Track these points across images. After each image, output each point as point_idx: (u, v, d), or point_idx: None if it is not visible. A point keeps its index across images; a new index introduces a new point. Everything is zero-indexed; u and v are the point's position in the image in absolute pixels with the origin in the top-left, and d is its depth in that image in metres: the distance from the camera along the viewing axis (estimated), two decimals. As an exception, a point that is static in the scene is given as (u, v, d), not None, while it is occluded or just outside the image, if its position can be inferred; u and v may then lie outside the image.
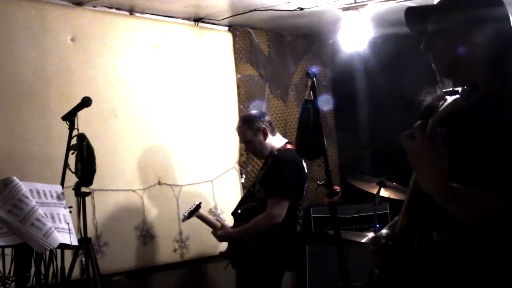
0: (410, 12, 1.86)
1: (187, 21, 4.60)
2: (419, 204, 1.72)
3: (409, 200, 1.75)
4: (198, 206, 3.90)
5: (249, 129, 3.87)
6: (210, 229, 3.92)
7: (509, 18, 1.76)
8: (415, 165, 1.54)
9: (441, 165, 1.49)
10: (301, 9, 4.37)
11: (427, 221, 1.72)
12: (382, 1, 4.18)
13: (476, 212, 1.55)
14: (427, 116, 1.60)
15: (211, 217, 4.03)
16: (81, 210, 3.41)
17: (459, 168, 1.57)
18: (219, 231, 3.87)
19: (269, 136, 3.87)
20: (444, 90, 1.75)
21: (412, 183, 1.72)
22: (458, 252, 1.66)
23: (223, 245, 4.07)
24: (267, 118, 3.95)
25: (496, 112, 1.61)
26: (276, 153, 3.85)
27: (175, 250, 4.33)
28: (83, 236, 3.38)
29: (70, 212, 3.00)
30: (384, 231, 1.93)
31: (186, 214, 3.90)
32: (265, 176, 3.83)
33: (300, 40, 5.46)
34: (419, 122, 1.52)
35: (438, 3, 1.82)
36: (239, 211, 3.92)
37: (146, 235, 4.15)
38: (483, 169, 1.58)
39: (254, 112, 4.14)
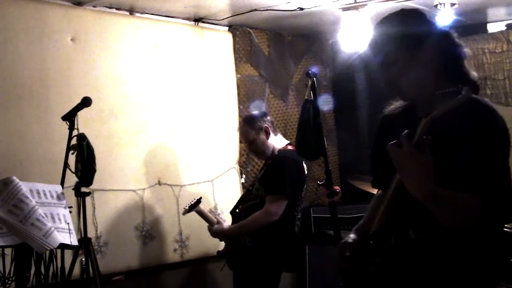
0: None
1: (187, 21, 4.60)
2: (397, 205, 1.81)
3: (389, 203, 1.83)
4: (199, 201, 3.93)
5: (252, 128, 3.88)
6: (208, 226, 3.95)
7: (442, 31, 1.91)
8: (403, 173, 1.67)
9: (427, 171, 1.61)
10: (301, 9, 4.37)
11: (404, 221, 1.81)
12: (382, 1, 4.18)
13: (458, 212, 1.68)
14: (388, 125, 1.85)
15: (209, 213, 4.04)
16: (81, 210, 3.41)
17: (440, 172, 1.67)
18: (214, 227, 3.89)
19: (271, 135, 3.88)
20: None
21: (393, 187, 1.79)
22: (433, 249, 1.76)
23: (223, 245, 4.07)
24: (269, 118, 3.96)
25: (469, 119, 1.72)
26: (277, 153, 3.85)
27: (175, 250, 4.34)
28: (83, 236, 3.38)
29: (70, 212, 3.00)
30: (351, 235, 2.01)
31: (187, 207, 3.94)
32: (265, 174, 3.84)
33: (300, 40, 5.46)
34: (406, 131, 1.63)
35: (375, 40, 1.96)
36: (237, 210, 3.93)
37: (146, 235, 4.15)
38: (461, 172, 1.70)
39: (256, 112, 4.15)
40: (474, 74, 1.90)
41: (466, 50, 1.91)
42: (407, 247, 1.80)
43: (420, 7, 2.00)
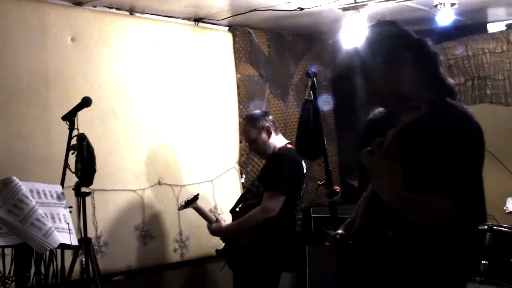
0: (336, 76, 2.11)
1: (187, 21, 4.60)
2: (375, 206, 1.90)
3: (366, 206, 1.93)
4: (196, 197, 3.93)
5: (253, 127, 3.88)
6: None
7: (417, 41, 1.97)
8: (374, 178, 1.79)
9: (396, 177, 1.73)
10: (301, 9, 4.37)
11: (382, 222, 1.89)
12: (382, 1, 4.18)
13: (429, 215, 1.77)
14: (373, 129, 1.96)
15: (207, 211, 4.04)
16: (81, 210, 3.41)
17: (414, 177, 1.78)
18: (212, 225, 3.89)
19: (273, 135, 3.88)
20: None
21: (369, 190, 1.90)
22: (409, 247, 1.86)
23: (223, 245, 4.07)
24: (270, 117, 3.97)
25: (442, 124, 1.79)
26: (276, 151, 3.86)
27: (175, 250, 4.34)
28: (83, 236, 3.38)
29: (70, 212, 3.00)
30: (339, 231, 2.09)
31: (183, 203, 3.95)
32: (264, 172, 3.85)
33: (300, 40, 5.46)
34: (377, 140, 1.74)
35: (352, 55, 2.03)
36: (237, 209, 3.94)
37: (146, 235, 4.15)
38: (434, 177, 1.77)
39: (257, 111, 4.15)
40: (450, 80, 1.97)
41: (442, 58, 1.98)
42: (385, 246, 1.89)
43: (395, 19, 2.06)
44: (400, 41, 1.95)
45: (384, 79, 1.94)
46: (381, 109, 2.12)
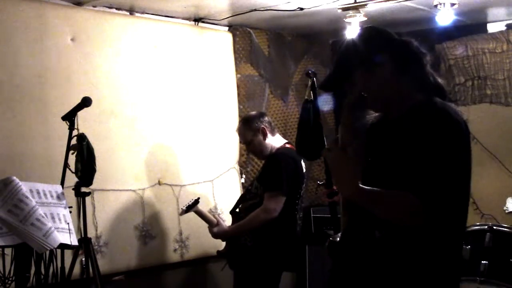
0: (326, 86, 2.12)
1: (187, 21, 4.60)
2: (352, 205, 1.93)
3: (344, 203, 1.99)
4: (197, 201, 3.93)
5: (249, 129, 3.88)
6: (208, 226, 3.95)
7: (401, 43, 1.98)
8: (333, 175, 1.83)
9: (352, 172, 1.76)
10: (301, 9, 4.37)
11: (370, 221, 1.89)
12: (382, 1, 4.18)
13: (393, 209, 1.79)
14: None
15: (208, 214, 4.04)
16: (81, 210, 3.41)
17: (384, 173, 1.83)
18: (215, 228, 3.89)
19: (269, 136, 3.88)
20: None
21: None
22: (395, 246, 1.86)
23: (223, 245, 4.07)
24: (266, 118, 3.96)
25: (419, 122, 1.82)
26: (275, 151, 3.86)
27: (175, 250, 4.34)
28: (83, 236, 3.38)
29: (70, 212, 3.00)
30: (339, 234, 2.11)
31: (184, 208, 3.95)
32: (263, 172, 3.85)
33: (300, 40, 5.46)
34: (334, 137, 1.81)
35: (336, 63, 2.05)
36: (237, 209, 3.93)
37: (146, 235, 4.15)
38: (403, 172, 1.79)
39: (253, 112, 4.16)
40: (438, 80, 1.98)
41: (428, 58, 1.99)
42: (373, 245, 1.90)
43: (380, 26, 2.08)
44: (379, 44, 1.96)
45: (366, 84, 1.95)
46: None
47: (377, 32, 2.02)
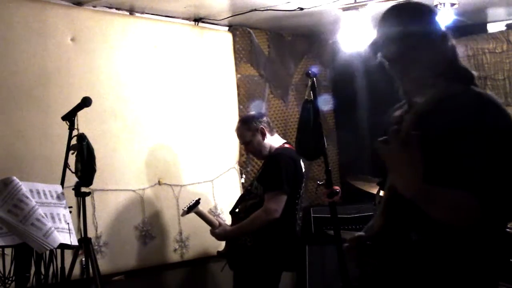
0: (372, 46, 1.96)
1: (187, 21, 4.60)
2: (396, 206, 1.77)
3: (386, 202, 1.81)
4: (197, 202, 3.93)
5: (248, 130, 3.89)
6: (210, 228, 3.94)
7: (442, 30, 1.87)
8: (391, 170, 1.65)
9: (416, 168, 1.59)
10: (301, 9, 4.37)
11: (405, 222, 1.76)
12: (382, 1, 4.18)
13: (452, 210, 1.63)
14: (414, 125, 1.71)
15: (209, 215, 4.04)
16: (81, 210, 3.41)
17: (434, 169, 1.64)
18: (217, 230, 3.89)
19: (268, 136, 3.88)
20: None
21: (386, 189, 1.79)
22: (435, 250, 1.71)
23: (223, 245, 4.07)
24: (265, 118, 3.97)
25: (462, 113, 1.67)
26: (273, 151, 3.86)
27: (175, 250, 4.34)
28: (83, 236, 3.38)
29: (70, 212, 3.00)
30: (360, 233, 1.97)
31: (185, 208, 3.95)
32: (263, 173, 3.85)
33: (300, 40, 5.46)
34: (393, 128, 1.61)
35: (379, 35, 1.91)
36: (237, 210, 3.93)
37: (146, 235, 4.15)
38: (456, 169, 1.63)
39: (252, 113, 4.17)
40: (472, 72, 1.85)
41: (462, 50, 1.91)
42: (408, 249, 1.76)
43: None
44: (428, 27, 1.85)
45: (407, 64, 1.82)
46: (401, 104, 1.99)
47: (428, 11, 1.88)
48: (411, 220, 1.73)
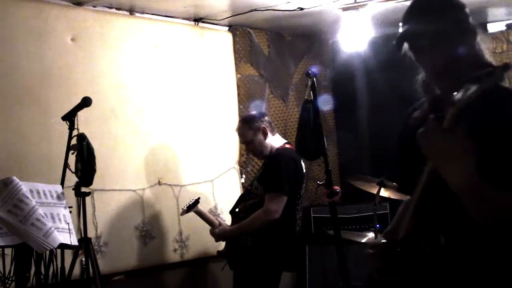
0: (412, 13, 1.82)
1: (187, 21, 4.60)
2: (425, 209, 1.64)
3: (415, 208, 1.65)
4: (197, 201, 3.93)
5: (249, 129, 3.88)
6: (209, 228, 3.95)
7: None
8: (439, 162, 1.48)
9: (469, 159, 1.42)
10: (301, 9, 4.37)
11: (433, 226, 1.65)
12: (382, 1, 4.18)
13: (500, 211, 1.48)
14: (415, 126, 1.63)
15: (209, 214, 4.04)
16: (81, 210, 3.41)
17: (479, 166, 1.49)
18: (216, 230, 3.89)
19: (269, 136, 3.88)
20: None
21: (419, 190, 1.62)
22: (466, 254, 1.61)
23: (223, 245, 4.07)
24: (267, 118, 3.97)
25: (502, 108, 1.57)
26: (274, 152, 3.86)
27: (175, 250, 4.33)
28: (83, 236, 3.38)
29: (70, 212, 3.00)
30: (382, 239, 1.86)
31: (184, 208, 3.95)
32: (263, 173, 3.85)
33: (300, 40, 5.46)
34: (434, 115, 1.46)
35: (431, 3, 1.80)
36: (237, 209, 3.93)
37: (146, 235, 4.15)
38: (498, 167, 1.52)
39: (254, 112, 4.16)
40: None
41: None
42: (437, 253, 1.65)
43: None
44: (465, 14, 1.79)
45: (445, 47, 1.70)
46: (422, 102, 1.88)
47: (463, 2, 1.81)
48: (439, 223, 1.63)
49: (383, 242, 1.78)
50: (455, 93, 1.46)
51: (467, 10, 1.79)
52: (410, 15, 1.81)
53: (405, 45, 1.78)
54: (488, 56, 1.77)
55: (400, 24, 1.81)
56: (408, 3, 1.91)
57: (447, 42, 1.71)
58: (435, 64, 1.73)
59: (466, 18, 1.78)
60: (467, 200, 1.47)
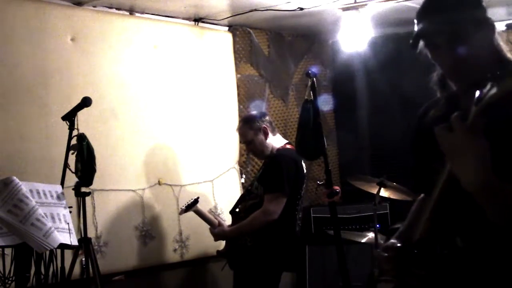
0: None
1: (187, 21, 4.60)
2: (442, 210, 1.61)
3: (434, 208, 1.61)
4: (196, 201, 3.93)
5: (250, 129, 3.88)
6: (209, 227, 3.95)
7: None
8: (455, 160, 1.46)
9: (484, 158, 1.41)
10: (301, 9, 4.37)
11: (450, 228, 1.62)
12: (382, 1, 4.18)
13: None
14: (429, 126, 1.59)
15: (208, 214, 4.04)
16: (81, 210, 3.41)
17: (497, 163, 1.46)
18: (216, 229, 3.90)
19: (270, 136, 3.88)
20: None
21: (438, 190, 1.58)
22: (484, 257, 1.58)
23: (223, 245, 4.07)
24: (267, 118, 3.97)
25: None
26: (275, 152, 3.86)
27: (175, 250, 4.34)
28: (83, 236, 3.38)
29: (70, 212, 3.00)
30: (393, 241, 1.81)
31: (183, 207, 3.96)
32: (263, 173, 3.85)
33: (300, 40, 5.46)
34: (457, 113, 1.44)
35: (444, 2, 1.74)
36: (237, 209, 3.93)
37: (146, 235, 4.15)
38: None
39: (254, 112, 4.16)
40: None
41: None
42: (454, 256, 1.61)
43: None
44: (484, 11, 1.72)
45: (471, 43, 1.65)
46: (437, 100, 1.83)
47: None
48: (456, 224, 1.60)
49: (398, 245, 1.75)
50: (477, 91, 1.43)
51: (484, 4, 1.72)
52: (425, 11, 1.75)
53: (421, 43, 1.73)
54: (506, 51, 1.72)
55: (415, 21, 1.75)
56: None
57: (465, 39, 1.66)
58: (453, 61, 1.68)
59: (484, 12, 1.71)
60: (481, 199, 1.46)
